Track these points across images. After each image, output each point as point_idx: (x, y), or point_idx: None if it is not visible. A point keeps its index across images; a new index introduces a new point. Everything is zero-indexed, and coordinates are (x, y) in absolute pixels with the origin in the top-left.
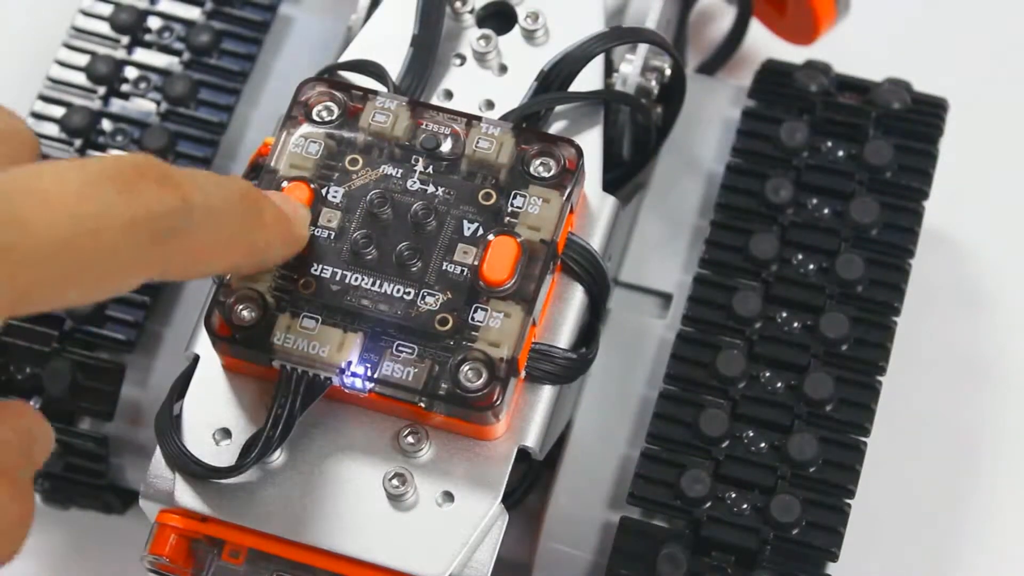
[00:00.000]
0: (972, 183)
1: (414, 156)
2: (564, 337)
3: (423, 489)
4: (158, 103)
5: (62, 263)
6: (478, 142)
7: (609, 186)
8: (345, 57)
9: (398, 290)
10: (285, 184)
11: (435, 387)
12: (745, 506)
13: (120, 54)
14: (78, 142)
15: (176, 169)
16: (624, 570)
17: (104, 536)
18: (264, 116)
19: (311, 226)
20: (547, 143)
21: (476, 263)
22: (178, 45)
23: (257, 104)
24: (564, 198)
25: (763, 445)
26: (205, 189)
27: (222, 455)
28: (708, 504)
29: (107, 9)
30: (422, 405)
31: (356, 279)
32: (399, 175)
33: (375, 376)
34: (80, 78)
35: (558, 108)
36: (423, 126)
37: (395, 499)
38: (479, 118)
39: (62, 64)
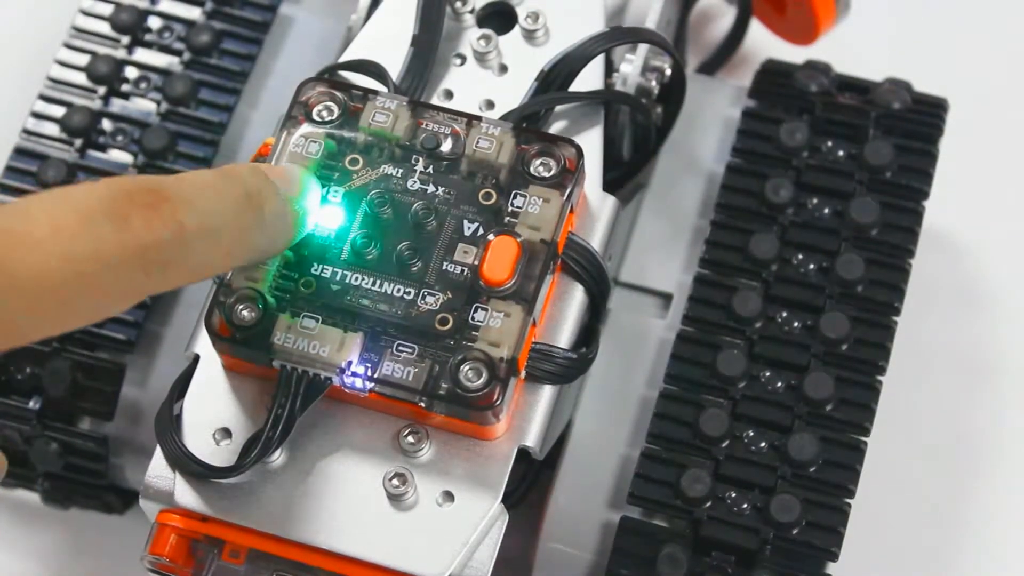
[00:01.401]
0: (972, 183)
1: (414, 156)
2: (564, 337)
3: (423, 489)
4: (158, 103)
5: (52, 303)
6: (478, 142)
7: (609, 186)
8: (345, 57)
9: (398, 290)
10: None
11: (435, 387)
12: (745, 506)
13: (120, 54)
14: (78, 142)
15: (171, 186)
16: (624, 570)
17: (104, 536)
18: (264, 116)
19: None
20: (547, 143)
21: (476, 263)
22: (178, 45)
23: (257, 104)
24: (564, 198)
25: (763, 445)
26: (202, 206)
27: (222, 455)
28: (708, 504)
29: (107, 9)
30: (422, 405)
31: (356, 279)
32: (399, 175)
33: (375, 376)
34: (80, 78)
35: (558, 108)
36: (423, 126)
37: (395, 499)
38: (479, 118)
39: (62, 64)
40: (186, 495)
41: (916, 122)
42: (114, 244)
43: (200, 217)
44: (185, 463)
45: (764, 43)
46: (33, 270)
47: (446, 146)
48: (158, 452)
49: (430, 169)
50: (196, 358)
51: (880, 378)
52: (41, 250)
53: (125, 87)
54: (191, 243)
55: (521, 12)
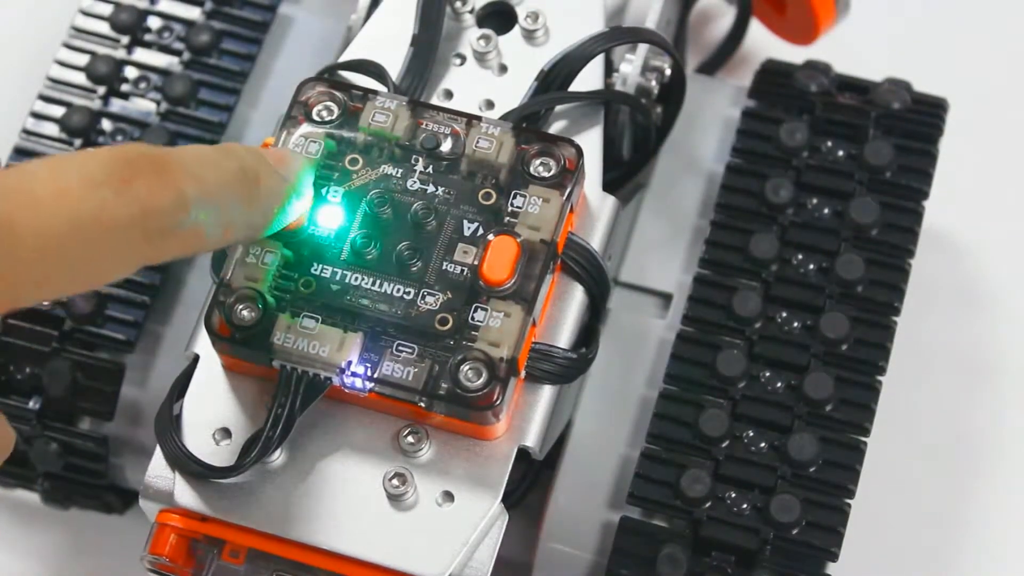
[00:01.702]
0: (972, 183)
1: (414, 156)
2: (564, 337)
3: (423, 489)
4: (158, 103)
5: (53, 263)
6: (478, 142)
7: (609, 186)
8: (345, 57)
9: (398, 290)
10: None
11: (435, 387)
12: (745, 506)
13: (120, 54)
14: (78, 142)
15: (172, 156)
16: (624, 570)
17: (104, 536)
18: (264, 116)
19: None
20: (547, 143)
21: (476, 263)
22: (178, 45)
23: (257, 104)
24: (564, 198)
25: (763, 445)
26: (201, 175)
27: (222, 455)
28: (708, 504)
29: (107, 9)
30: (422, 405)
31: (356, 279)
32: (399, 175)
33: (375, 376)
34: (80, 78)
35: (558, 108)
36: (423, 126)
37: (395, 499)
38: (479, 118)
39: (62, 64)
40: (186, 495)
41: (916, 122)
42: (116, 208)
43: (199, 186)
44: (185, 463)
45: (764, 43)
46: (37, 229)
47: (446, 146)
48: (158, 452)
49: (430, 169)
50: (196, 358)
51: (880, 378)
52: (45, 210)
53: (125, 87)
54: (190, 211)
55: (521, 12)
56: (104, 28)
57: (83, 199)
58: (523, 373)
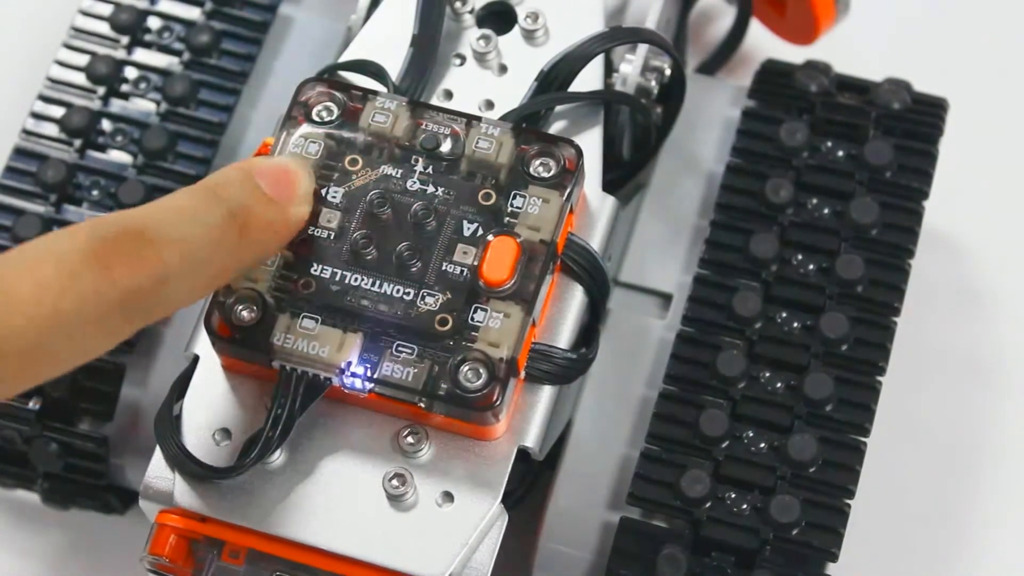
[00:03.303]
0: (972, 183)
1: (414, 156)
2: (564, 337)
3: (423, 489)
4: (158, 103)
5: (33, 360)
6: (478, 142)
7: (609, 186)
8: (345, 57)
9: (398, 290)
10: None
11: (435, 387)
12: (745, 506)
13: (120, 54)
14: (78, 142)
15: (151, 224)
16: (624, 570)
17: (104, 536)
18: (264, 116)
19: (311, 224)
20: (547, 143)
21: (476, 263)
22: (178, 45)
23: (257, 104)
24: (564, 198)
25: (763, 445)
26: (184, 239)
27: (222, 455)
28: (708, 504)
29: (107, 9)
30: (422, 405)
31: (356, 279)
32: (399, 175)
33: (375, 376)
34: (80, 78)
35: (558, 108)
36: (423, 126)
37: (395, 499)
38: (479, 118)
39: (62, 64)
40: (186, 495)
41: (916, 122)
42: (96, 298)
43: (183, 251)
44: (185, 463)
45: (764, 43)
46: (16, 331)
47: (446, 146)
48: (158, 452)
49: (430, 169)
50: (196, 358)
51: (880, 378)
52: (24, 312)
53: (125, 87)
54: (174, 283)
55: (521, 12)
56: (104, 28)
57: (62, 293)
58: (523, 373)
